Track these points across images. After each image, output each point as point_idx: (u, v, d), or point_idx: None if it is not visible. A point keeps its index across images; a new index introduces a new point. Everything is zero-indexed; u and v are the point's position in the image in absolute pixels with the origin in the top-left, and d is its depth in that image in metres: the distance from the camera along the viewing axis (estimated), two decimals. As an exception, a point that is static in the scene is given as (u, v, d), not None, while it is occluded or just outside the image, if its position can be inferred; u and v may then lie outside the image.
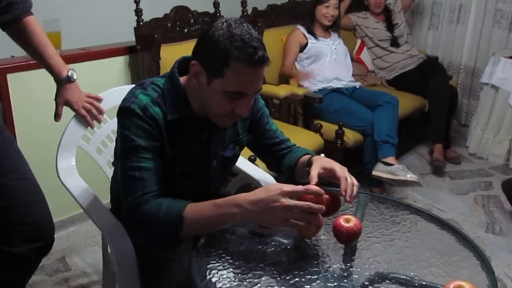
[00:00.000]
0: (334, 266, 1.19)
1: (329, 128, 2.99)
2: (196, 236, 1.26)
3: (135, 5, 2.56)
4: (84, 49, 2.53)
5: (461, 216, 3.00)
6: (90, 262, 2.47)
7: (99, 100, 1.75)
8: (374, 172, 2.96)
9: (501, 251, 2.66)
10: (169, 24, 2.68)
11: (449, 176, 3.51)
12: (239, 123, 1.53)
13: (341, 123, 2.92)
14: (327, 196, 1.23)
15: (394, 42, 3.85)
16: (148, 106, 1.31)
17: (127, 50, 2.66)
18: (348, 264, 1.21)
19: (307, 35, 3.32)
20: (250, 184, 1.82)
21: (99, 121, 1.75)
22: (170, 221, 1.21)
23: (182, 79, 1.38)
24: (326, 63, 3.29)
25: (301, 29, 3.36)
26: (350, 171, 1.36)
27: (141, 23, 2.58)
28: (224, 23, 1.25)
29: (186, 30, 2.80)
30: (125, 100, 1.35)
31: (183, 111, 1.36)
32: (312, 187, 1.21)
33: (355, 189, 1.31)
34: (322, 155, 1.47)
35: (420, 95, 3.68)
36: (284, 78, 3.40)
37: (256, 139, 1.61)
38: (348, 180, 1.31)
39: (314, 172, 1.34)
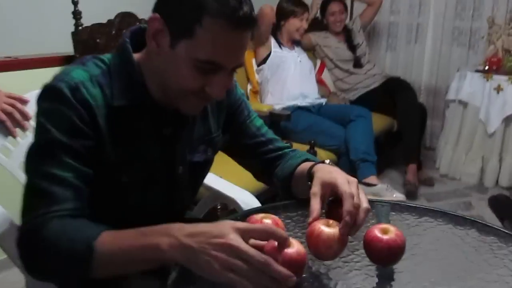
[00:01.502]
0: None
1: (300, 149, 2.64)
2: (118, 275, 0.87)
3: (72, 6, 2.17)
4: (10, 57, 2.11)
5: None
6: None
7: (24, 102, 1.36)
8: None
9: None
10: (113, 31, 2.30)
11: (425, 199, 3.24)
12: (211, 118, 1.16)
13: (312, 142, 2.61)
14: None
15: (357, 63, 3.64)
16: (81, 85, 0.94)
17: (63, 60, 2.24)
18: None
19: (273, 42, 3.04)
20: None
21: (23, 128, 1.35)
22: (75, 252, 0.83)
23: (137, 55, 1.02)
24: (290, 76, 3.01)
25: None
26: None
27: (80, 28, 2.19)
28: None
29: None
30: (53, 77, 0.96)
31: (136, 95, 1.00)
32: (275, 229, 0.79)
33: (362, 215, 0.89)
34: (327, 161, 1.10)
35: (387, 115, 3.45)
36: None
37: (234, 139, 1.24)
38: (354, 200, 0.90)
39: (315, 200, 0.94)
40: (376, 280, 0.88)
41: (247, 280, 0.73)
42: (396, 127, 3.46)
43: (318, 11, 3.79)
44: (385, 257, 0.87)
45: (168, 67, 0.95)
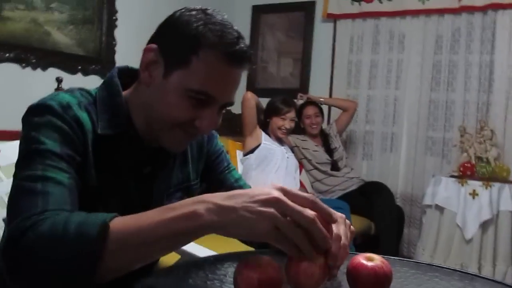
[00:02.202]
0: None
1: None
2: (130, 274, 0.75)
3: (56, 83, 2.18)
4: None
5: None
6: None
7: None
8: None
9: None
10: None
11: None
12: (191, 165, 1.14)
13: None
14: None
15: (335, 166, 3.70)
16: (71, 105, 0.92)
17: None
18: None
19: (263, 134, 3.08)
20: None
21: None
22: (85, 235, 0.71)
23: (124, 92, 1.02)
24: (276, 169, 3.01)
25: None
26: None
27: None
28: (197, 7, 0.95)
29: None
30: (38, 101, 0.94)
31: (120, 125, 0.98)
32: (320, 201, 0.79)
33: (343, 253, 0.82)
34: None
35: (364, 216, 3.43)
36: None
37: (211, 189, 1.18)
38: (342, 241, 0.83)
39: None
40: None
41: (294, 240, 0.70)
42: (373, 230, 3.41)
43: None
44: (371, 285, 0.80)
45: (158, 97, 0.94)
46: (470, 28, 3.90)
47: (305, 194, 0.75)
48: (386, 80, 4.23)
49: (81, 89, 1.01)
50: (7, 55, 2.96)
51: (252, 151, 3.14)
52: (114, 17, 3.55)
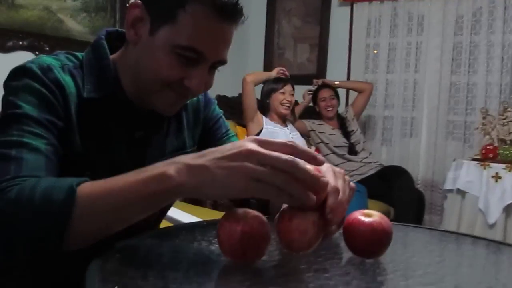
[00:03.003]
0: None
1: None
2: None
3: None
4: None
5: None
6: None
7: None
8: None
9: None
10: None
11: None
12: (186, 131, 1.09)
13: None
14: None
15: (352, 149, 3.63)
16: (53, 67, 0.89)
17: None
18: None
19: (264, 119, 3.04)
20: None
21: None
22: (51, 201, 0.69)
23: (112, 55, 0.98)
24: (282, 152, 2.97)
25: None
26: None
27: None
28: None
29: None
30: (18, 65, 0.91)
31: (108, 89, 0.94)
32: (298, 144, 0.72)
33: (341, 209, 0.75)
34: None
35: (383, 202, 3.35)
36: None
37: None
38: (339, 195, 0.76)
39: None
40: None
41: (278, 186, 0.64)
42: (392, 215, 3.33)
43: (311, 101, 3.87)
44: (368, 242, 0.75)
45: (145, 56, 0.90)
46: (492, 7, 3.77)
47: (282, 140, 0.69)
48: (405, 64, 4.13)
49: (67, 53, 0.98)
50: (21, 43, 2.97)
51: (257, 135, 3.10)
52: (127, 5, 3.53)
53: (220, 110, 1.20)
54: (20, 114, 0.83)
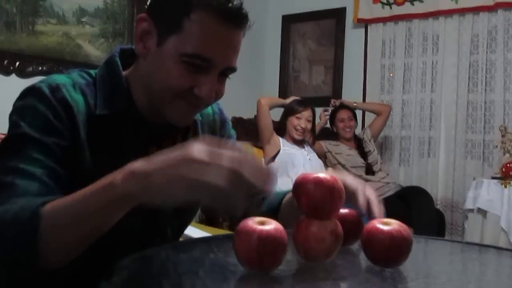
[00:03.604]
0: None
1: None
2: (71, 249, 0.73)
3: None
4: None
5: None
6: None
7: None
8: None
9: None
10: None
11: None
12: None
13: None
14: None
15: (369, 170, 3.61)
16: (62, 87, 0.90)
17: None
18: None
19: (281, 140, 3.03)
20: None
21: None
22: (20, 220, 0.70)
23: (125, 71, 1.00)
24: (300, 173, 2.94)
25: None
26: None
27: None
28: None
29: None
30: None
31: (119, 104, 0.94)
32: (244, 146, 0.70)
33: (376, 208, 0.86)
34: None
35: (402, 222, 3.29)
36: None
37: None
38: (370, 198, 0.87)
39: None
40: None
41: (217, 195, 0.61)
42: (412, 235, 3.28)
43: (328, 122, 3.87)
44: (387, 250, 0.74)
45: (155, 67, 0.91)
46: (507, 25, 3.76)
47: (232, 142, 0.68)
48: (421, 83, 4.12)
49: (81, 70, 0.99)
50: (40, 68, 3.03)
51: (272, 158, 3.10)
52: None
53: (234, 131, 1.20)
54: (22, 136, 0.84)
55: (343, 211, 0.85)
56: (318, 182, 0.74)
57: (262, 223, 0.69)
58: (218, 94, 0.95)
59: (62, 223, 0.70)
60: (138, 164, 0.67)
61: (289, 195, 1.05)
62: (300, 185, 0.75)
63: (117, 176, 0.67)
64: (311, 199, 0.73)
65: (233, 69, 0.94)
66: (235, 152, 0.63)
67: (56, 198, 0.73)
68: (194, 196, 0.63)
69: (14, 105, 0.90)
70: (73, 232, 0.71)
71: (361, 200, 0.85)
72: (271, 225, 0.69)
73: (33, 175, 0.81)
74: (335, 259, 0.75)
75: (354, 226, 0.84)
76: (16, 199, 0.77)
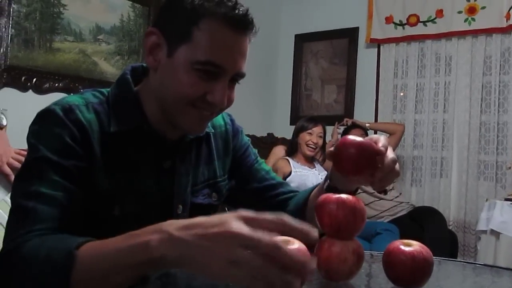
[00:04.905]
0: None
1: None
2: None
3: None
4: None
5: None
6: None
7: None
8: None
9: None
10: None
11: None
12: (217, 162, 1.11)
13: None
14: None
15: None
16: (75, 108, 0.92)
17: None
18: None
19: (291, 162, 3.04)
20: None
21: None
22: (53, 262, 0.71)
23: (136, 88, 1.02)
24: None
25: (283, 149, 3.09)
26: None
27: None
28: None
29: None
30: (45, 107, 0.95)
31: (132, 120, 0.96)
32: (289, 220, 0.62)
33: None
34: None
35: (415, 243, 3.28)
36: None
37: (242, 184, 1.17)
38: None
39: None
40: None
41: (256, 275, 0.57)
42: (425, 256, 3.26)
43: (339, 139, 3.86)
44: (408, 272, 0.74)
45: (167, 77, 0.93)
46: (520, 46, 3.77)
47: (272, 217, 0.62)
48: (434, 104, 4.12)
49: (94, 90, 1.02)
50: (57, 85, 3.07)
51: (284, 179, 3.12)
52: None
53: (248, 138, 1.22)
54: (41, 160, 0.87)
55: (359, 139, 0.86)
56: (341, 202, 0.75)
57: (286, 243, 0.70)
58: (229, 100, 0.96)
59: (94, 269, 0.69)
60: (174, 227, 0.63)
61: (315, 191, 1.09)
62: (323, 205, 0.76)
63: (152, 236, 0.64)
64: (334, 219, 0.74)
65: (242, 75, 0.96)
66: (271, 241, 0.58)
67: (90, 241, 0.73)
68: (228, 274, 0.58)
69: (30, 128, 0.93)
70: (102, 281, 0.69)
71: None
72: (294, 245, 0.69)
73: (55, 199, 0.84)
74: (356, 279, 0.76)
75: (370, 156, 0.85)
76: (40, 225, 0.80)
